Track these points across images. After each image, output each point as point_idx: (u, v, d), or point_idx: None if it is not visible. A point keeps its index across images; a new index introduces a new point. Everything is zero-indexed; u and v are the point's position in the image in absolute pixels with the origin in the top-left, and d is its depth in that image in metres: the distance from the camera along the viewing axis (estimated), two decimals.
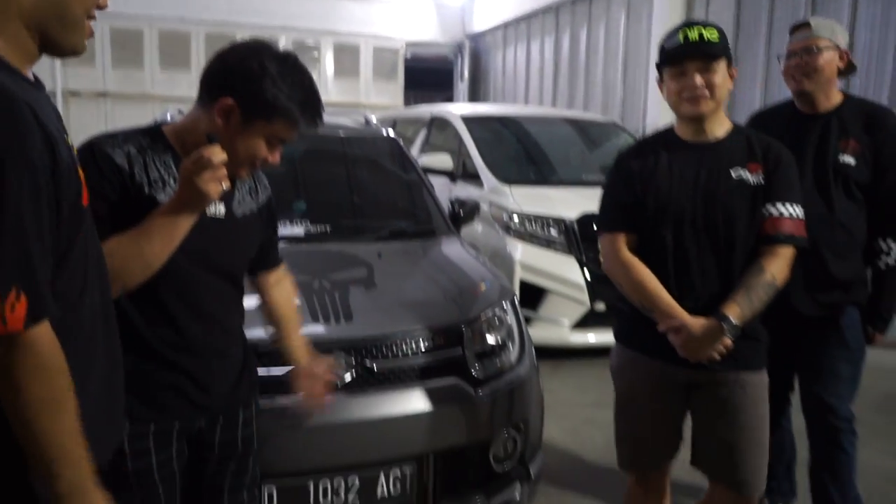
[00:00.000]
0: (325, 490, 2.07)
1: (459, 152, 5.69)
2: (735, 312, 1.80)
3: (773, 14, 6.01)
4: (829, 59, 2.32)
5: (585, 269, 4.61)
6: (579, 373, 4.43)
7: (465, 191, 5.26)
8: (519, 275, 4.62)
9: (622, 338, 2.10)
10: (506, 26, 10.83)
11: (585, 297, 4.60)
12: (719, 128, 1.95)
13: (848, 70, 2.43)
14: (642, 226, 1.96)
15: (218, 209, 1.51)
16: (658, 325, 1.89)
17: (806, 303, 2.34)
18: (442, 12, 12.03)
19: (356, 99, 11.68)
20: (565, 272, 4.62)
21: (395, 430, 2.14)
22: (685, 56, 1.87)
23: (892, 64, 4.98)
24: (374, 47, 11.73)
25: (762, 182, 1.88)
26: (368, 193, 3.53)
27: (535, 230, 4.74)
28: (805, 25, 2.38)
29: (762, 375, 1.97)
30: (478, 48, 12.08)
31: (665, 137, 2.02)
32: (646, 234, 1.96)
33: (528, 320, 4.61)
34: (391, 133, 3.81)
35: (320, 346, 2.13)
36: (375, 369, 2.18)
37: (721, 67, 1.87)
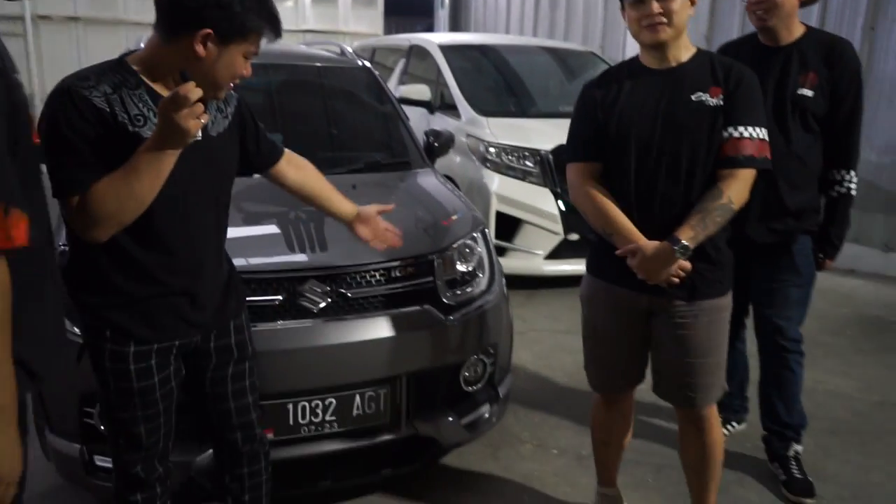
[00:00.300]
0: (303, 410, 2.20)
1: (438, 83, 5.67)
2: (687, 235, 1.85)
3: None
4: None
5: (560, 201, 4.69)
6: (552, 302, 4.58)
7: (442, 122, 5.26)
8: (495, 206, 4.70)
9: (591, 268, 2.17)
10: None
11: (559, 227, 4.69)
12: (683, 53, 1.97)
13: (809, 1, 2.48)
14: (606, 154, 2.01)
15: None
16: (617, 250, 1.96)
17: (760, 231, 2.45)
18: None
19: (335, 26, 11.38)
20: (540, 203, 4.70)
21: (368, 353, 2.26)
22: None
23: None
24: None
25: (721, 104, 1.89)
26: (344, 125, 3.56)
27: (511, 162, 4.79)
28: None
29: (723, 300, 2.03)
30: None
31: (629, 66, 2.06)
32: (610, 161, 2.01)
33: (503, 251, 4.77)
34: (367, 64, 3.81)
35: (296, 274, 2.22)
36: (349, 296, 2.28)
37: None
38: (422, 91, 5.65)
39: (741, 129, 1.90)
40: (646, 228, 1.94)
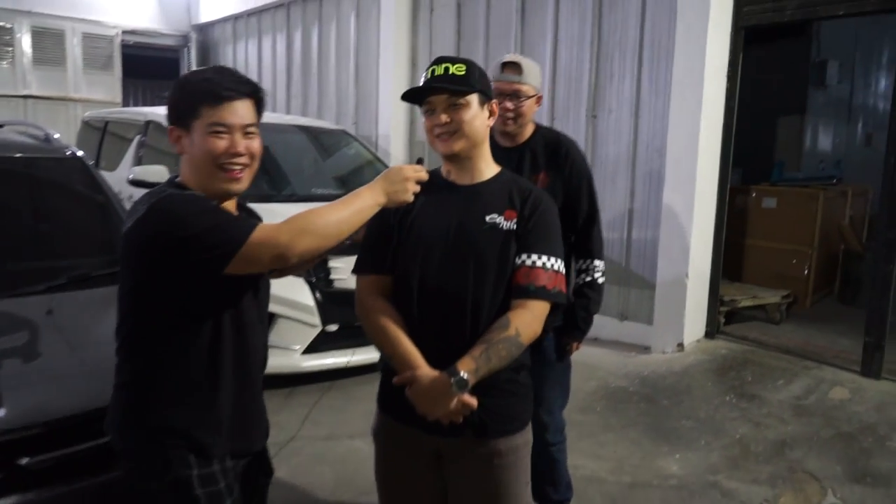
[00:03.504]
0: None
1: (178, 163, 5.17)
2: (468, 367, 1.66)
3: (489, 20, 6.33)
4: (531, 105, 2.52)
5: (316, 291, 4.44)
6: (312, 401, 4.26)
7: None
8: None
9: (379, 401, 1.94)
10: (235, 19, 10.24)
11: (316, 319, 4.42)
12: (485, 170, 1.87)
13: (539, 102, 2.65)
14: (397, 269, 1.84)
15: None
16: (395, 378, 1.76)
17: None
18: (164, 1, 11.04)
19: (63, 92, 10.24)
20: (294, 295, 4.40)
21: None
22: (430, 91, 1.79)
23: (587, 76, 5.48)
24: (83, 34, 10.37)
25: (515, 228, 1.80)
26: (45, 229, 3.00)
27: None
28: (516, 66, 2.50)
29: (521, 437, 1.85)
30: (206, 41, 11.28)
31: (432, 176, 1.90)
32: (398, 277, 1.84)
33: None
34: (77, 153, 3.29)
35: None
36: (30, 468, 1.79)
37: (470, 103, 1.79)
38: (159, 173, 5.09)
39: (534, 257, 1.78)
40: (432, 355, 1.74)
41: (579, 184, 2.56)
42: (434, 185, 1.88)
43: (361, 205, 1.64)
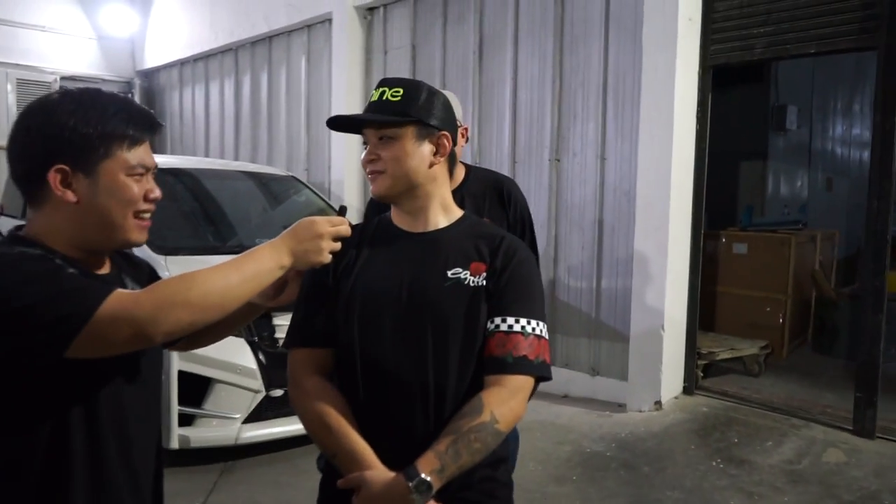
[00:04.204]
0: None
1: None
2: (431, 466, 1.28)
3: (446, 62, 6.08)
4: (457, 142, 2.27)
5: (259, 352, 3.98)
6: (253, 479, 3.76)
7: None
8: (177, 365, 3.82)
9: None
10: (181, 64, 9.85)
11: (259, 383, 3.96)
12: (440, 215, 1.52)
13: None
14: (337, 339, 1.47)
15: None
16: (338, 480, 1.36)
17: None
18: (106, 44, 10.56)
19: None
20: (233, 357, 3.93)
21: None
22: (362, 122, 1.47)
23: (549, 119, 5.23)
24: (17, 79, 9.85)
25: (484, 285, 1.43)
26: None
27: None
28: None
29: None
30: (151, 87, 10.84)
31: (378, 224, 1.56)
32: (340, 350, 1.46)
33: (191, 419, 3.90)
34: None
35: None
36: None
37: (401, 137, 1.44)
38: None
39: (511, 320, 1.41)
40: (385, 451, 1.37)
41: (523, 228, 2.42)
42: (382, 233, 1.52)
43: (258, 268, 1.27)
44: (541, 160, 5.33)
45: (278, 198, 5.85)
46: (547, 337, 1.46)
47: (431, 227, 1.51)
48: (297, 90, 7.72)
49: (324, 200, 5.79)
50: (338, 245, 1.39)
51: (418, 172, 1.46)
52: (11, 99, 9.86)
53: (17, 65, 9.81)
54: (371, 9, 6.73)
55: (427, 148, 1.47)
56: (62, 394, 1.17)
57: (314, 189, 5.95)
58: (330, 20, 7.03)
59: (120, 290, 1.14)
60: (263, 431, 3.99)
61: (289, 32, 7.77)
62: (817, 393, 4.77)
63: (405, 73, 6.39)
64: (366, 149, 1.48)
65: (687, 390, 4.64)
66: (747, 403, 4.50)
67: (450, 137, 1.51)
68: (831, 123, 8.65)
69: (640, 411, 4.52)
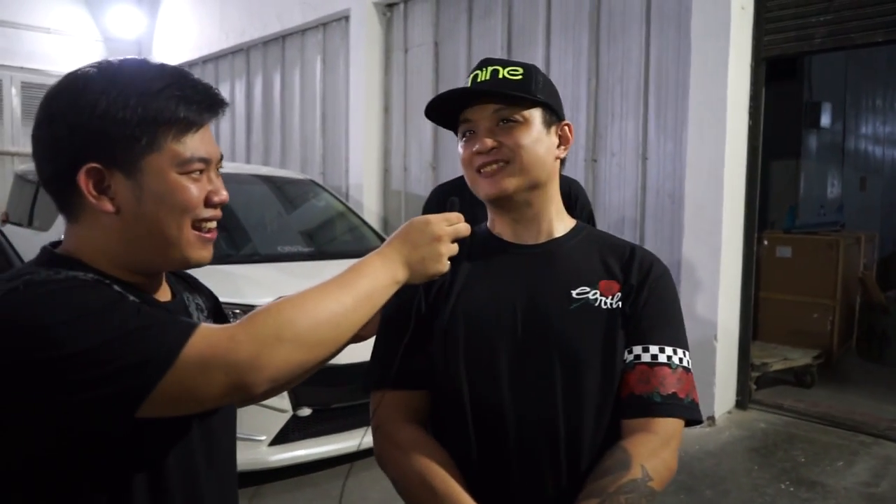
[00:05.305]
0: None
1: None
2: None
3: (471, 59, 5.79)
4: None
5: None
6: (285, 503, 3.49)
7: None
8: None
9: None
10: (190, 66, 9.60)
11: (286, 402, 3.68)
12: (557, 221, 1.24)
13: None
14: (436, 379, 1.18)
15: None
16: None
17: None
18: (112, 46, 10.32)
19: (0, 146, 9.44)
20: None
21: None
22: (468, 104, 1.17)
23: (585, 117, 4.97)
24: (22, 83, 9.60)
25: (620, 307, 1.17)
26: None
27: None
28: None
29: None
30: None
31: (477, 236, 1.22)
32: (440, 392, 1.18)
33: None
34: None
35: None
36: None
37: (530, 120, 1.16)
38: None
39: (655, 349, 1.14)
40: None
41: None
42: (481, 248, 1.23)
43: (372, 286, 0.97)
44: (575, 161, 5.04)
45: (295, 202, 5.57)
46: (689, 368, 1.18)
47: (545, 238, 1.23)
48: (311, 91, 7.44)
49: (344, 204, 5.52)
50: (455, 248, 1.08)
51: (544, 165, 1.18)
52: (16, 102, 9.63)
53: (22, 68, 9.58)
54: (391, 5, 6.46)
55: (553, 139, 1.20)
56: (124, 460, 0.89)
57: (334, 193, 5.68)
58: (347, 17, 6.76)
59: (206, 326, 0.85)
60: (291, 454, 3.71)
61: (303, 31, 7.51)
62: (878, 406, 4.47)
63: (427, 72, 6.12)
64: (470, 140, 1.19)
65: (740, 404, 4.36)
66: (806, 418, 4.21)
67: (572, 128, 1.23)
68: (864, 121, 8.36)
69: (693, 428, 4.22)
